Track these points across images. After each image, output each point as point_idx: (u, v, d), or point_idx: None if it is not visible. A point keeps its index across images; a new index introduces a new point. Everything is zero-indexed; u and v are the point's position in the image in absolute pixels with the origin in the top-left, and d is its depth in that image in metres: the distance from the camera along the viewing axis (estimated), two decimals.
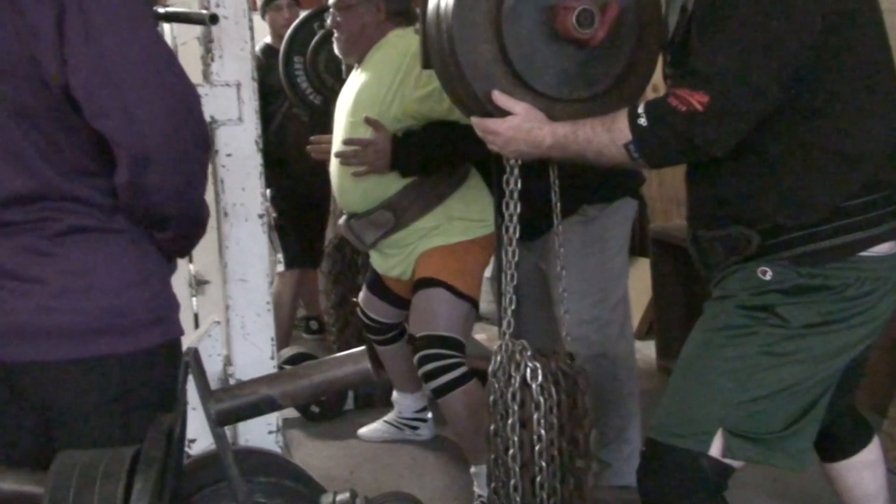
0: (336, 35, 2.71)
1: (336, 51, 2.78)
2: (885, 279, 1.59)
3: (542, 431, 1.94)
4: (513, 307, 2.02)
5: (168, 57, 1.25)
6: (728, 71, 1.53)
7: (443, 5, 1.80)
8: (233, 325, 2.28)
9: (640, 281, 4.02)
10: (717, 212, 1.68)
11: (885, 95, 1.59)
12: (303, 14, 3.54)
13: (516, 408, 1.95)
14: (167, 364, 1.30)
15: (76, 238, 1.24)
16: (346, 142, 2.59)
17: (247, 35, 2.19)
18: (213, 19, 2.12)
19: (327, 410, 3.42)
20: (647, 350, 3.93)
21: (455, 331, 2.56)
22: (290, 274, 3.91)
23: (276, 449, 2.28)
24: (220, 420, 1.01)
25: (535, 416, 1.94)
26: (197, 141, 1.27)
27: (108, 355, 1.24)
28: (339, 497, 1.06)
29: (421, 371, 2.56)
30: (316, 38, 3.40)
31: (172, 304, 1.35)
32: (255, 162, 2.08)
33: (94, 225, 1.25)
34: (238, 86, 2.11)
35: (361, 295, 3.03)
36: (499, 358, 1.99)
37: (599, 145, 1.66)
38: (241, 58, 2.17)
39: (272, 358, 2.33)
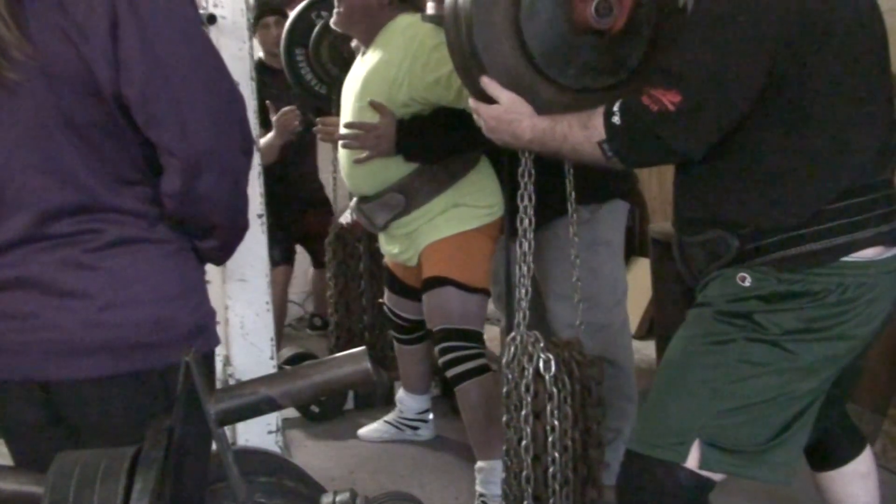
0: (336, 6, 2.65)
1: (332, 23, 2.72)
2: (870, 286, 1.53)
3: (556, 422, 1.94)
4: (527, 298, 2.01)
5: (219, 62, 1.23)
6: (701, 70, 1.51)
7: (460, 4, 1.79)
8: (232, 325, 2.29)
9: (640, 281, 4.02)
10: (698, 216, 1.65)
11: (870, 99, 1.55)
12: (298, 7, 3.50)
13: (529, 399, 1.95)
14: (204, 374, 1.28)
15: (120, 250, 1.21)
16: (348, 125, 2.57)
17: (245, 35, 2.20)
18: (211, 20, 2.13)
19: (327, 410, 3.42)
20: (647, 350, 3.93)
21: (470, 322, 2.56)
22: (278, 272, 3.88)
23: (276, 449, 2.28)
24: (220, 420, 1.00)
25: (549, 407, 1.94)
26: (244, 147, 1.26)
27: (153, 369, 1.22)
28: (339, 497, 1.05)
29: (440, 361, 2.58)
30: (317, 28, 3.37)
31: (211, 314, 1.34)
32: (254, 161, 2.08)
33: (138, 236, 1.23)
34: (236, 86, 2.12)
35: (386, 296, 3.05)
36: (512, 349, 1.99)
37: (574, 142, 1.64)
38: (240, 58, 2.18)
39: (272, 358, 2.34)
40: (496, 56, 1.76)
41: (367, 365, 1.04)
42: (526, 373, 1.95)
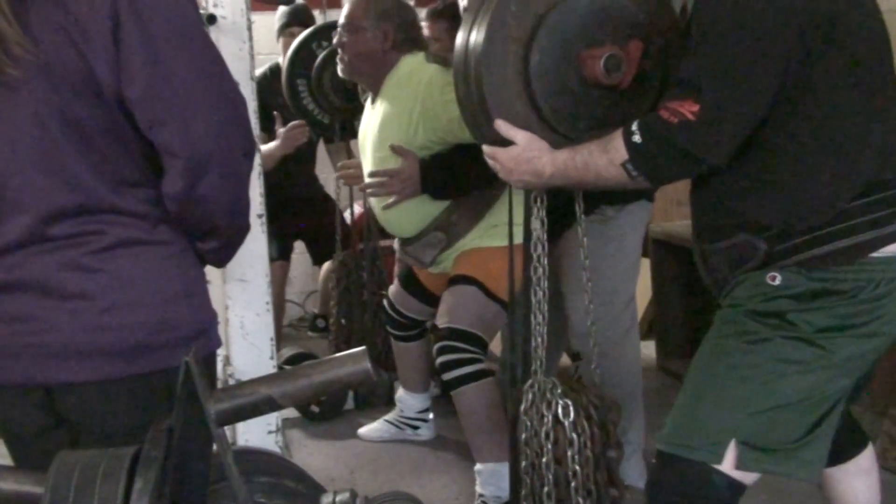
0: (340, 55, 2.74)
1: (339, 71, 2.80)
2: None
3: (577, 467, 1.93)
4: (543, 346, 2.00)
5: (221, 62, 1.23)
6: (716, 78, 1.50)
7: (472, 61, 1.80)
8: (232, 325, 2.29)
9: (640, 281, 4.02)
10: (722, 222, 1.64)
11: (882, 91, 1.56)
12: (299, 37, 3.51)
13: (550, 446, 1.94)
14: (206, 375, 1.27)
15: (121, 252, 1.21)
16: (372, 174, 2.62)
17: (245, 35, 2.20)
18: (211, 19, 2.13)
19: (327, 410, 3.42)
20: (647, 350, 3.93)
21: (480, 329, 2.56)
22: (275, 267, 3.86)
23: (276, 449, 2.29)
24: (220, 420, 1.00)
25: (570, 453, 1.94)
26: (245, 148, 1.26)
27: (155, 371, 1.22)
28: (339, 497, 1.05)
29: (438, 361, 2.56)
30: (319, 59, 3.39)
31: (213, 316, 1.33)
32: (253, 162, 2.08)
33: (139, 237, 1.23)
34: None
35: (392, 289, 3.06)
36: (530, 396, 1.99)
37: (598, 167, 1.63)
38: (240, 58, 2.18)
39: (272, 358, 2.34)
40: (507, 113, 1.78)
41: (367, 365, 1.04)
42: (545, 420, 1.95)
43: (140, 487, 0.84)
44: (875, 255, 1.53)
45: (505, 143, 1.80)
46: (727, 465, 1.55)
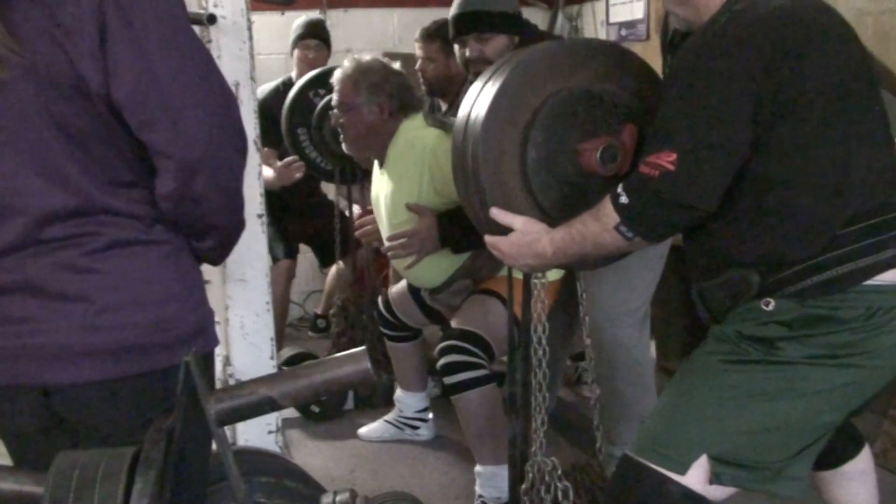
0: (342, 135, 2.78)
1: (344, 149, 2.85)
2: None
3: None
4: (543, 429, 1.98)
5: (210, 61, 1.23)
6: (688, 121, 1.50)
7: (469, 164, 1.80)
8: (232, 325, 2.28)
9: None
10: (715, 260, 1.63)
11: (862, 116, 1.53)
12: (295, 86, 3.53)
13: None
14: (204, 375, 1.27)
15: (117, 252, 1.21)
16: (391, 238, 2.64)
17: (245, 35, 2.19)
18: (211, 19, 2.12)
19: (327, 410, 3.43)
20: None
21: (491, 338, 2.56)
22: (281, 266, 3.87)
23: (276, 449, 2.28)
24: (220, 420, 1.01)
25: None
26: (237, 146, 1.26)
27: (153, 370, 1.22)
28: (339, 497, 1.05)
29: (442, 361, 2.54)
30: (318, 109, 3.41)
31: (210, 315, 1.33)
32: (253, 162, 2.08)
33: (135, 237, 1.22)
34: (237, 86, 2.11)
35: (394, 291, 3.06)
36: (530, 476, 1.97)
37: (594, 236, 1.63)
38: (240, 58, 2.17)
39: (272, 358, 2.33)
40: (508, 208, 1.77)
41: (367, 365, 1.04)
42: (545, 503, 1.93)
43: (140, 487, 0.84)
44: (872, 282, 1.51)
45: (506, 231, 1.80)
46: (692, 479, 1.53)
